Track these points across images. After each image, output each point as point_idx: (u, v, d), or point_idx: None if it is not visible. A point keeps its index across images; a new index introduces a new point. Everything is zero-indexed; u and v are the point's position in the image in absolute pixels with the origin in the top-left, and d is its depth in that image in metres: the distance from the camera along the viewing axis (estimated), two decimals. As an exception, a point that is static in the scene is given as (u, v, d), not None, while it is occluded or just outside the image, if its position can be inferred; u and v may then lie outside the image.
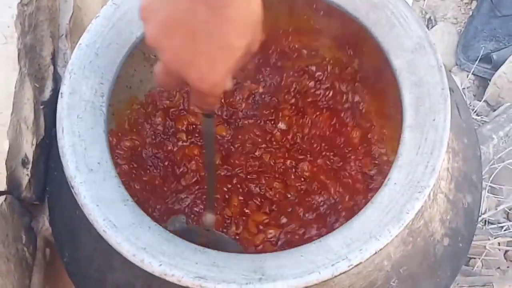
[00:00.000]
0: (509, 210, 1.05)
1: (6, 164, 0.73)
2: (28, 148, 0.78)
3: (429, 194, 0.69)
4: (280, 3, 0.88)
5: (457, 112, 0.77)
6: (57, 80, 0.87)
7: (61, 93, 0.69)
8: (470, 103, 1.16)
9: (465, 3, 1.28)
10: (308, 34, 0.91)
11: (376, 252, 0.60)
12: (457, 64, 1.21)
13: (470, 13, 1.23)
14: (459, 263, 0.74)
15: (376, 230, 0.61)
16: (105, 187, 0.66)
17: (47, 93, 0.84)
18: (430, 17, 1.26)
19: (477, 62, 1.15)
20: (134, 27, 0.74)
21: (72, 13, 0.93)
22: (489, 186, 1.07)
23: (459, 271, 0.74)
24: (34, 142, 0.79)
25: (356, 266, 0.60)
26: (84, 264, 0.76)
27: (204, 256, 0.62)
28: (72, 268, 0.78)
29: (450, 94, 0.76)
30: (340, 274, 0.60)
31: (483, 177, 1.04)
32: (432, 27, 1.26)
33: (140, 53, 0.89)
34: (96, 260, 0.74)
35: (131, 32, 0.74)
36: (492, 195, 1.06)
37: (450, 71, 1.20)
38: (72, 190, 0.65)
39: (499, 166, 1.04)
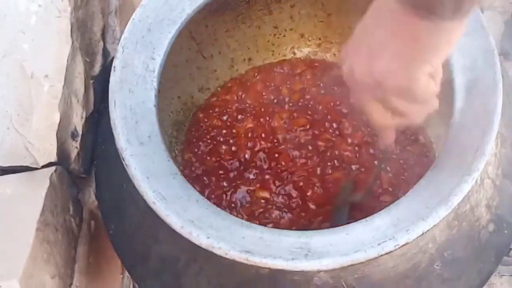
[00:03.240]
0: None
1: (57, 135, 0.75)
2: (77, 121, 0.80)
3: (477, 178, 0.69)
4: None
5: (507, 98, 0.76)
6: (106, 56, 0.88)
7: (114, 67, 0.71)
8: (515, 93, 1.15)
9: (513, -8, 1.26)
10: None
11: (423, 233, 0.60)
12: (503, 54, 1.19)
13: (517, 2, 1.22)
14: (504, 250, 0.74)
15: (424, 212, 0.61)
16: (154, 160, 0.67)
17: (96, 68, 0.85)
18: (476, 6, 1.25)
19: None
20: (185, 4, 0.75)
21: (123, -11, 0.94)
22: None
23: (503, 258, 0.74)
24: (84, 116, 0.81)
25: (402, 246, 0.60)
26: (130, 237, 0.77)
27: (251, 230, 0.63)
28: (118, 240, 0.79)
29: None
30: (386, 253, 0.60)
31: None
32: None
33: (187, 32, 0.90)
34: (142, 233, 0.75)
35: (182, 8, 0.75)
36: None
37: (496, 60, 1.19)
38: (122, 162, 0.67)
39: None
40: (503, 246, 0.74)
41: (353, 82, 0.56)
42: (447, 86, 0.68)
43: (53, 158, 0.75)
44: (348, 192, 0.84)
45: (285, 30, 0.97)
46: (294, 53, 0.99)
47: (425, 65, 0.51)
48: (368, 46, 0.53)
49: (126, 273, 0.95)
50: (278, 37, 0.98)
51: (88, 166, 0.83)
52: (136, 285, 0.93)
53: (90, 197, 0.86)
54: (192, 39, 0.91)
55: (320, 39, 0.98)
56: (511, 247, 0.94)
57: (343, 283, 0.67)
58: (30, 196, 0.72)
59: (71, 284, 0.78)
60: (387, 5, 0.50)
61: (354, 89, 0.57)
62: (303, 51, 0.99)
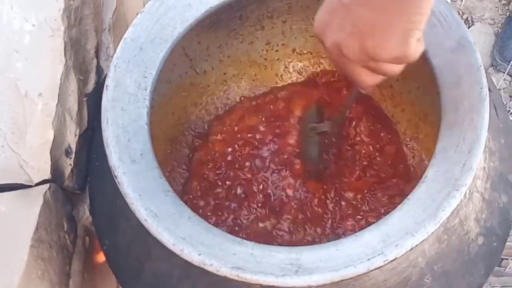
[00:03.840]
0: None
1: (50, 153, 0.76)
2: (71, 139, 0.80)
3: (465, 192, 0.70)
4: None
5: (495, 112, 0.78)
6: (100, 73, 0.89)
7: (106, 86, 0.71)
8: (506, 104, 1.16)
9: (503, 4, 1.27)
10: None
11: (411, 248, 0.61)
12: (493, 65, 1.21)
13: (507, 14, 1.23)
14: (493, 262, 0.74)
15: (412, 227, 0.62)
16: (147, 178, 0.68)
17: (90, 86, 0.86)
18: (467, 18, 1.26)
19: (509, 63, 1.15)
20: (177, 23, 0.76)
21: (115, 8, 0.95)
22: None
23: (493, 270, 0.75)
24: (77, 133, 0.82)
25: (391, 261, 0.61)
26: (123, 253, 0.78)
27: (242, 247, 0.64)
28: (112, 256, 0.80)
29: (489, 94, 0.77)
30: (376, 269, 0.61)
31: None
32: (469, 27, 1.26)
33: (180, 49, 0.91)
34: (135, 249, 0.76)
35: (174, 27, 0.76)
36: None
37: (486, 71, 1.20)
38: (115, 179, 0.67)
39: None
40: (492, 259, 0.75)
41: (338, 55, 0.59)
42: (435, 102, 0.70)
43: (47, 175, 0.76)
44: (314, 118, 0.85)
45: (277, 45, 0.99)
46: (286, 67, 1.00)
47: (415, 32, 0.54)
48: (352, 24, 0.55)
49: (121, 288, 0.95)
50: (271, 52, 0.99)
51: (82, 182, 0.84)
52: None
53: (85, 213, 0.86)
54: (185, 55, 0.93)
55: (311, 53, 0.99)
56: (502, 258, 0.95)
57: (334, 297, 0.68)
58: (24, 214, 0.73)
59: (65, 300, 0.79)
60: None
61: (341, 61, 0.60)
62: (295, 66, 1.00)
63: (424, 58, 0.70)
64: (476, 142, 0.64)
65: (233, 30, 0.94)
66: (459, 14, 1.26)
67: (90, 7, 0.88)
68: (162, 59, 0.75)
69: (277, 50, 0.99)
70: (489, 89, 0.77)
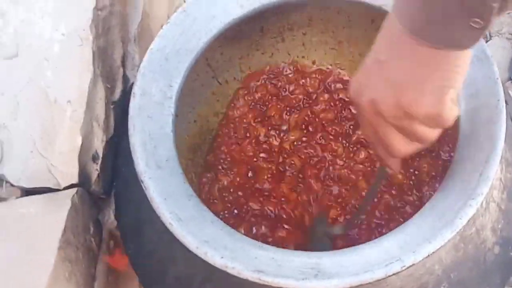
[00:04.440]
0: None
1: (78, 158, 0.79)
2: (98, 145, 0.83)
3: (482, 202, 0.71)
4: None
5: (511, 124, 0.79)
6: (126, 82, 0.92)
7: (133, 94, 0.74)
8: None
9: (521, 19, 1.29)
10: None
11: (428, 255, 0.63)
12: (510, 79, 1.22)
13: (525, 28, 1.24)
14: (509, 272, 0.76)
15: (430, 234, 0.64)
16: (171, 183, 0.70)
17: (117, 93, 0.89)
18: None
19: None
20: (201, 34, 0.79)
21: (141, 19, 0.98)
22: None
23: (509, 280, 0.76)
24: (104, 139, 0.84)
25: (408, 267, 0.63)
26: (147, 256, 0.80)
27: (263, 251, 0.66)
28: (136, 259, 0.82)
29: (506, 106, 0.78)
30: (393, 274, 0.63)
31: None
32: (487, 41, 1.27)
33: (204, 59, 0.93)
34: (159, 253, 0.78)
35: (199, 38, 0.79)
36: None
37: (503, 84, 1.21)
38: (142, 184, 0.70)
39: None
40: (509, 268, 0.76)
41: (373, 115, 0.58)
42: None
43: (74, 180, 0.78)
44: (324, 225, 0.86)
45: (297, 57, 1.01)
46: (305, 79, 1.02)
47: (451, 90, 0.54)
48: (388, 80, 0.55)
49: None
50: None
51: (108, 187, 0.87)
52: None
53: (110, 218, 0.89)
54: (208, 66, 0.95)
55: (331, 65, 1.01)
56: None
57: (352, 302, 0.69)
58: (52, 216, 0.75)
59: (90, 301, 0.81)
60: (399, 38, 0.53)
61: (373, 121, 0.58)
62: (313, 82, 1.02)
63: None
64: (493, 152, 0.66)
65: (254, 41, 0.96)
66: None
67: (117, 18, 0.91)
68: (187, 69, 0.78)
69: (297, 62, 1.01)
70: (506, 102, 0.79)
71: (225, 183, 0.91)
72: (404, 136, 0.58)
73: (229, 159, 0.95)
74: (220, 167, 0.94)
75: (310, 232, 0.87)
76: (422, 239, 0.63)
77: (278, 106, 0.98)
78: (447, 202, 0.65)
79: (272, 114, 0.96)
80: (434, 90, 0.53)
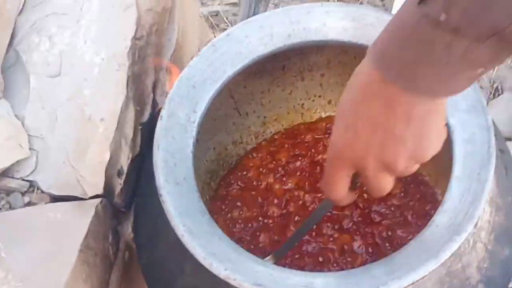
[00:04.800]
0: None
1: (105, 172, 0.86)
2: (124, 161, 0.91)
3: (469, 241, 0.77)
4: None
5: (505, 172, 0.85)
6: (154, 106, 1.00)
7: (161, 116, 0.82)
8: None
9: (533, 77, 1.35)
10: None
11: (413, 282, 0.69)
12: (517, 134, 1.28)
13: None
14: (492, 308, 0.81)
15: (415, 264, 0.70)
16: (187, 199, 0.78)
17: (145, 116, 0.97)
18: (497, 86, 1.34)
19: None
20: (227, 67, 0.87)
21: (174, 51, 1.07)
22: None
23: (492, 317, 0.81)
24: (130, 157, 0.92)
25: (394, 293, 0.69)
26: (159, 267, 0.87)
27: (263, 267, 0.72)
28: (148, 269, 0.89)
29: (500, 155, 0.85)
30: (380, 297, 0.69)
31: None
32: (499, 95, 1.33)
33: (227, 91, 1.01)
34: (170, 264, 0.85)
35: (224, 71, 0.87)
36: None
37: (510, 139, 1.28)
38: (160, 198, 0.77)
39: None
40: (491, 306, 0.81)
41: (379, 172, 0.62)
42: (448, 156, 0.78)
43: (100, 191, 0.86)
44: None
45: (315, 96, 1.08)
46: (321, 117, 1.09)
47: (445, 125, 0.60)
48: (395, 139, 0.58)
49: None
50: (308, 102, 1.09)
51: (129, 201, 0.94)
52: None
53: (128, 230, 0.96)
54: (231, 97, 1.03)
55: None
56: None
57: (341, 324, 0.75)
58: (77, 222, 0.83)
59: (103, 305, 0.88)
60: (398, 101, 0.56)
61: (374, 176, 0.63)
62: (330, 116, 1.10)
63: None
64: (479, 193, 0.72)
65: (276, 78, 1.04)
66: (490, 82, 1.35)
67: (153, 47, 1.00)
68: (211, 97, 0.86)
69: (313, 100, 1.09)
70: (502, 151, 0.86)
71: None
72: (391, 176, 0.64)
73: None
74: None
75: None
76: (408, 268, 0.70)
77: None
78: (434, 236, 0.71)
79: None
80: (438, 132, 0.60)
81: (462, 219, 0.71)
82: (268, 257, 0.86)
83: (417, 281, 0.69)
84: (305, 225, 0.87)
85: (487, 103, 1.34)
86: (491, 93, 1.34)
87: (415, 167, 0.63)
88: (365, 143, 0.60)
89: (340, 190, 0.67)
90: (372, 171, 0.62)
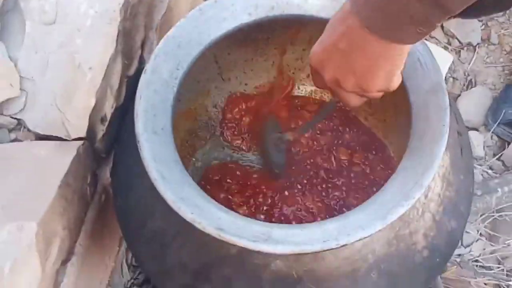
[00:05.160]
0: (502, 258, 1.18)
1: (89, 117, 0.92)
2: (108, 109, 0.97)
3: (419, 210, 0.84)
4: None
5: (460, 151, 0.92)
6: (141, 62, 1.06)
7: (145, 70, 0.88)
8: (488, 159, 1.30)
9: (505, 73, 1.41)
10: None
11: (360, 239, 0.75)
12: (484, 124, 1.35)
13: (507, 82, 1.37)
14: (433, 274, 0.88)
15: (365, 223, 0.76)
16: (163, 148, 0.83)
17: (132, 70, 1.03)
18: (471, 79, 1.41)
19: (497, 124, 1.28)
20: (212, 31, 0.92)
21: (165, 12, 1.12)
22: (488, 233, 1.20)
23: (432, 282, 0.88)
24: (114, 106, 0.98)
25: (342, 246, 0.75)
26: (132, 210, 0.93)
27: (227, 215, 0.79)
28: (121, 212, 0.95)
29: (458, 137, 0.91)
30: (329, 249, 0.75)
31: (485, 225, 1.17)
32: (471, 88, 1.40)
33: (212, 55, 1.07)
34: (142, 208, 0.91)
35: (208, 34, 0.92)
36: (489, 242, 1.19)
37: (477, 129, 1.34)
38: (138, 144, 0.83)
39: (499, 216, 1.17)
40: (433, 272, 0.88)
41: (336, 86, 0.76)
42: (407, 132, 0.84)
43: (82, 134, 0.92)
44: (275, 129, 1.04)
45: (295, 69, 1.14)
46: (299, 88, 1.15)
47: (398, 71, 0.72)
48: (348, 66, 0.72)
49: (123, 247, 1.11)
50: (288, 74, 1.15)
51: (109, 147, 1.00)
52: (129, 256, 1.09)
53: (106, 175, 1.02)
54: (215, 62, 1.09)
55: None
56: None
57: (293, 273, 0.82)
58: (59, 160, 0.89)
59: (76, 241, 0.94)
60: (359, 33, 0.67)
61: (335, 90, 0.77)
62: (306, 89, 1.16)
63: (404, 94, 0.85)
64: (429, 166, 0.78)
65: (259, 48, 1.10)
66: (464, 74, 1.41)
67: (145, 6, 1.05)
68: (194, 58, 0.91)
69: (293, 73, 1.15)
70: (459, 133, 0.92)
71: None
72: (358, 96, 0.76)
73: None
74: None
75: (264, 137, 1.03)
76: (358, 226, 0.76)
77: None
78: (384, 200, 0.78)
79: None
80: (386, 74, 0.72)
81: (411, 188, 0.78)
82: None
83: (364, 238, 0.75)
84: (311, 122, 1.02)
85: (460, 94, 1.40)
86: (464, 85, 1.41)
87: (372, 95, 0.75)
88: (327, 59, 0.74)
89: (324, 87, 0.79)
90: (330, 83, 0.76)
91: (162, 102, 0.87)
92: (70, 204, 0.90)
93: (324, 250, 0.75)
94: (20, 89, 0.92)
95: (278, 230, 0.77)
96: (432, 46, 1.31)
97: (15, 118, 0.92)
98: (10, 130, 0.92)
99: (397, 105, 0.98)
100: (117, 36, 0.96)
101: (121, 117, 1.01)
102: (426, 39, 1.37)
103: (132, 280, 1.18)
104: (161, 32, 1.12)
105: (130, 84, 1.02)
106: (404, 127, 0.87)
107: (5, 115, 0.92)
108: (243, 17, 0.93)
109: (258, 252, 0.76)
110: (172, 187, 0.80)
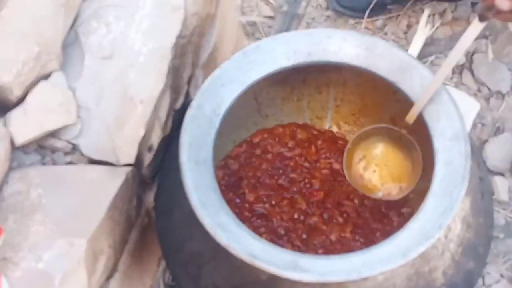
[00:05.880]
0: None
1: (138, 145, 1.01)
2: (155, 139, 1.05)
3: (439, 249, 0.90)
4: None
5: (481, 196, 0.98)
6: (187, 97, 1.14)
7: (191, 106, 0.96)
8: (510, 202, 1.35)
9: (534, 122, 1.47)
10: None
11: (382, 273, 0.82)
12: (510, 170, 1.39)
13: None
14: (450, 310, 0.94)
15: (387, 258, 0.83)
16: (203, 177, 0.91)
17: (178, 104, 1.12)
18: (499, 126, 1.46)
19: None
20: (253, 72, 1.00)
21: (211, 51, 1.21)
22: (509, 275, 1.24)
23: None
24: (161, 136, 1.06)
25: (364, 278, 0.82)
26: (172, 233, 1.01)
27: (259, 242, 0.86)
28: (162, 234, 1.03)
29: (479, 182, 0.97)
30: (352, 281, 0.82)
31: (506, 267, 1.22)
32: (499, 134, 1.45)
33: (252, 94, 1.15)
34: (181, 230, 0.99)
35: (250, 75, 1.00)
36: (510, 284, 1.24)
37: (503, 174, 1.39)
38: (181, 173, 0.91)
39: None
40: (450, 307, 0.94)
41: None
42: (430, 174, 0.91)
43: (131, 161, 1.00)
44: None
45: (329, 109, 1.22)
46: (330, 127, 1.23)
47: None
48: None
49: (161, 267, 1.18)
50: (322, 113, 1.22)
51: (154, 174, 1.08)
52: (166, 275, 1.17)
53: (150, 199, 1.11)
54: (254, 100, 1.17)
55: (354, 122, 1.21)
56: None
57: (319, 300, 0.89)
58: (109, 184, 0.97)
59: (119, 259, 1.02)
60: None
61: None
62: (341, 129, 1.23)
63: (429, 140, 0.92)
64: (449, 208, 0.85)
65: (296, 89, 1.18)
66: (492, 120, 1.46)
67: (192, 46, 1.14)
68: (236, 96, 0.99)
69: (327, 113, 1.22)
70: (482, 179, 0.98)
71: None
72: None
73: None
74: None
75: None
76: (380, 261, 0.83)
77: None
78: (406, 238, 0.84)
79: None
80: None
81: (431, 228, 0.84)
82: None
83: (386, 272, 0.82)
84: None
85: (487, 139, 1.45)
86: (492, 131, 1.46)
87: None
88: None
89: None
90: None
91: (204, 135, 0.95)
92: (116, 224, 0.98)
93: (348, 281, 0.82)
94: (77, 116, 1.01)
95: (305, 259, 0.84)
96: (461, 94, 1.38)
97: (71, 143, 1.01)
98: (65, 154, 1.01)
99: (422, 150, 1.04)
100: (167, 72, 1.05)
101: (166, 146, 1.09)
102: (456, 86, 1.44)
103: (168, 299, 1.25)
104: (206, 69, 1.21)
105: (176, 116, 1.10)
106: (428, 170, 0.93)
107: (62, 140, 1.01)
108: (282, 62, 1.02)
109: (286, 279, 0.83)
110: (210, 213, 0.87)
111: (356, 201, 1.10)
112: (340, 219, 1.08)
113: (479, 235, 0.96)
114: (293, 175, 1.15)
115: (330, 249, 1.04)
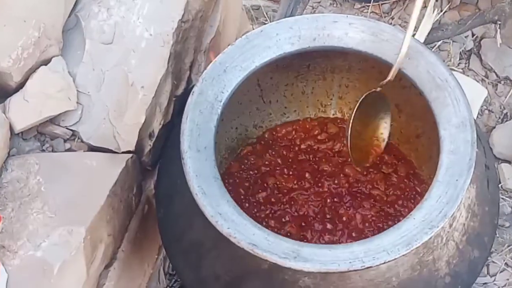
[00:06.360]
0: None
1: (139, 132, 0.99)
2: (156, 126, 1.04)
3: (443, 238, 0.89)
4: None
5: (487, 184, 0.96)
6: (189, 83, 1.13)
7: (193, 92, 0.94)
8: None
9: (543, 108, 1.45)
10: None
11: (385, 262, 0.80)
12: (514, 161, 1.38)
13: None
14: (454, 300, 0.92)
15: (389, 247, 0.81)
16: (204, 165, 0.90)
17: (180, 90, 1.10)
18: (506, 113, 1.44)
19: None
20: (256, 58, 0.98)
21: (214, 36, 1.19)
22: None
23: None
24: (162, 123, 1.05)
25: (367, 268, 0.80)
26: (172, 221, 1.00)
27: (260, 231, 0.84)
28: (163, 222, 1.02)
29: (485, 170, 0.96)
30: (354, 270, 0.80)
31: (511, 255, 1.21)
32: (506, 121, 1.43)
33: (255, 79, 1.13)
34: (182, 219, 0.98)
35: (253, 61, 0.98)
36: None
37: (510, 162, 1.37)
38: (182, 161, 0.89)
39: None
40: (454, 298, 0.92)
41: None
42: (435, 162, 0.89)
43: (132, 148, 0.99)
44: None
45: (333, 95, 1.20)
46: (335, 114, 1.21)
47: None
48: None
49: (161, 255, 1.18)
50: (326, 100, 1.20)
51: (155, 161, 1.07)
52: (166, 264, 1.16)
53: (150, 186, 1.09)
54: (257, 85, 1.15)
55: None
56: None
57: (320, 290, 0.87)
58: (108, 171, 0.96)
59: (119, 247, 1.01)
60: None
61: None
62: (345, 115, 1.21)
63: (435, 127, 0.90)
64: (454, 197, 0.83)
65: (300, 74, 1.16)
66: (500, 107, 1.44)
67: (195, 31, 1.12)
68: (238, 82, 0.97)
69: (331, 99, 1.20)
70: (487, 166, 0.97)
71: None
72: None
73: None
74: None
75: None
76: (383, 250, 0.81)
77: None
78: (410, 227, 0.83)
79: None
80: None
81: (435, 217, 0.82)
82: None
83: (389, 261, 0.80)
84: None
85: (495, 126, 1.44)
86: (500, 117, 1.44)
87: None
88: None
89: None
90: None
91: (206, 122, 0.93)
92: (116, 212, 0.97)
93: (350, 271, 0.80)
94: (77, 102, 1.00)
95: (307, 249, 0.83)
96: (468, 80, 1.36)
97: (70, 130, 1.00)
98: (65, 140, 0.99)
99: (430, 137, 1.02)
100: (169, 58, 1.03)
101: (167, 133, 1.08)
102: (463, 72, 1.42)
103: (168, 287, 1.25)
104: (209, 54, 1.19)
105: (178, 103, 1.09)
106: (435, 158, 0.92)
107: (61, 126, 0.99)
108: (286, 47, 0.99)
109: (288, 269, 0.82)
110: (211, 202, 0.86)
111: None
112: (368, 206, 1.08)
113: (484, 224, 0.95)
114: (323, 167, 1.15)
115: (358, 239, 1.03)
